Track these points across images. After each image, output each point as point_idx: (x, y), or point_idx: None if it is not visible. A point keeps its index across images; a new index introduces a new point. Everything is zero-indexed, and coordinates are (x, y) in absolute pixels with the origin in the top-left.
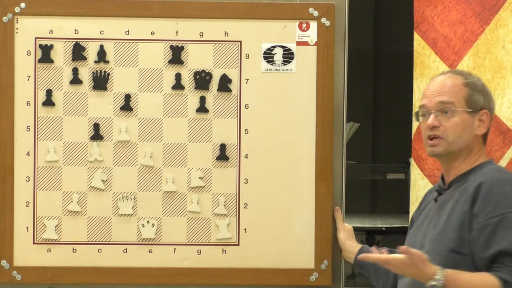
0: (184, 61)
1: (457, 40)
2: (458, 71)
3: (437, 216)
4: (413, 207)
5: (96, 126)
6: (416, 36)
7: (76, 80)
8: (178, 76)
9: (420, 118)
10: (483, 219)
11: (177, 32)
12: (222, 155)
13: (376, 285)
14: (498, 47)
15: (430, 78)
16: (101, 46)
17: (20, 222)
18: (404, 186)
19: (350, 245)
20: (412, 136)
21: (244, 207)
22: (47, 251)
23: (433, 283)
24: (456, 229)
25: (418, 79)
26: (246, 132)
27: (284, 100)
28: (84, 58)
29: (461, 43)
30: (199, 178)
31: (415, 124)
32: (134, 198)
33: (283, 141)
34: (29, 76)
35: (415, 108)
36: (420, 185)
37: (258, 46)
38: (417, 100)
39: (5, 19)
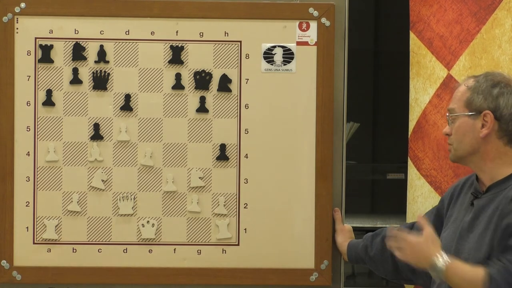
0: (184, 61)
1: (453, 40)
2: (479, 74)
3: (475, 222)
4: (410, 207)
5: (96, 126)
6: (412, 36)
7: (76, 80)
8: (178, 76)
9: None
10: (509, 219)
11: (177, 32)
12: (222, 155)
13: (378, 273)
14: (495, 46)
15: (426, 78)
16: (101, 46)
17: (20, 222)
18: (404, 186)
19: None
20: (409, 136)
21: (244, 207)
22: (47, 251)
23: (438, 264)
24: (493, 237)
25: (414, 79)
26: (246, 132)
27: (284, 100)
28: (84, 58)
29: (457, 43)
30: (199, 178)
31: (411, 124)
32: (134, 198)
33: (283, 141)
34: (29, 76)
35: (412, 108)
36: (417, 185)
37: (258, 46)
38: (413, 100)
39: (5, 19)
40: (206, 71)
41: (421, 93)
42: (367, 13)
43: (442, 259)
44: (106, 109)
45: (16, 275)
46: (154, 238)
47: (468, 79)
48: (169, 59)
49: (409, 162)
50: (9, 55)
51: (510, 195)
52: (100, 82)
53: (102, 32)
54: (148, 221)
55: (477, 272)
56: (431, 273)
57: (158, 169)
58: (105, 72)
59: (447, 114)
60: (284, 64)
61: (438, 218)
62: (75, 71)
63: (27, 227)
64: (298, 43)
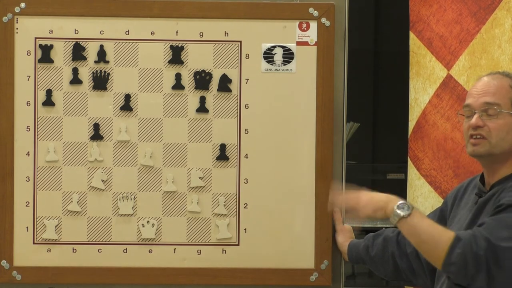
0: (184, 61)
1: (453, 40)
2: (507, 72)
3: (476, 219)
4: None
5: (96, 126)
6: (411, 36)
7: (76, 80)
8: (178, 76)
9: (462, 117)
10: (501, 201)
11: (177, 32)
12: (222, 155)
13: (377, 273)
14: (494, 46)
15: (426, 78)
16: (101, 46)
17: (20, 222)
18: (404, 186)
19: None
20: (409, 136)
21: (244, 207)
22: (47, 251)
23: (401, 213)
24: None
25: (414, 79)
26: (246, 132)
27: (284, 100)
28: (84, 58)
29: (457, 43)
30: (199, 178)
31: (411, 124)
32: (134, 198)
33: (283, 141)
34: (29, 76)
35: (411, 108)
36: (416, 185)
37: (258, 46)
38: (413, 100)
39: (5, 19)
40: (206, 71)
41: (420, 93)
42: (367, 13)
43: (405, 205)
44: (106, 109)
45: (16, 275)
46: (154, 238)
47: (499, 74)
48: (169, 59)
49: (409, 162)
50: (9, 55)
51: (508, 186)
52: (100, 82)
53: (102, 32)
54: (148, 221)
55: (447, 231)
56: (391, 218)
57: (158, 169)
58: (105, 72)
59: (485, 106)
60: (284, 64)
61: (441, 219)
62: (75, 71)
63: (27, 227)
64: (298, 43)
